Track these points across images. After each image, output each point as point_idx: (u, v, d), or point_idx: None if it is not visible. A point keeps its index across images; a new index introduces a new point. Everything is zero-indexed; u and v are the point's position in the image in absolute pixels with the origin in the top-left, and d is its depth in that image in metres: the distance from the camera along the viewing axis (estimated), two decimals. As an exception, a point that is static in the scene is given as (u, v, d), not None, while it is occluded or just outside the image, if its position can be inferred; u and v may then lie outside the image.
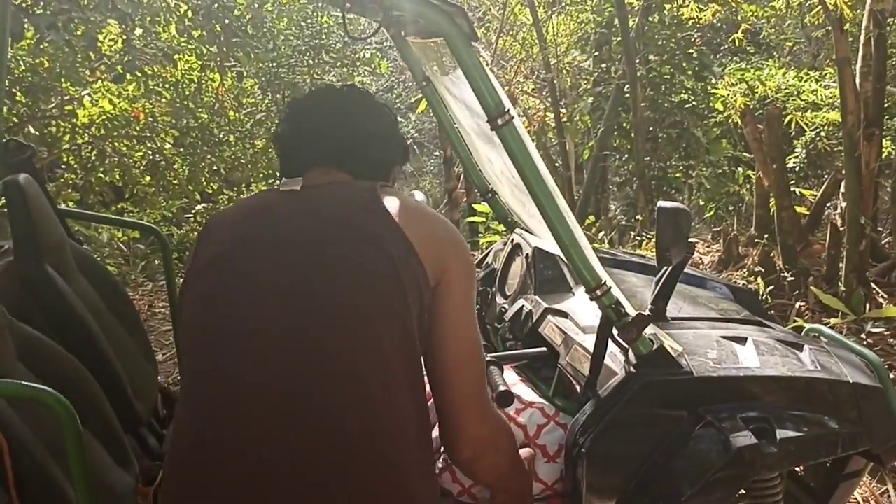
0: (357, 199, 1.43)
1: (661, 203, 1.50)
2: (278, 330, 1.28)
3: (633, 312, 1.65)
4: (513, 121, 1.55)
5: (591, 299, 1.64)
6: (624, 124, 7.60)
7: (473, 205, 6.06)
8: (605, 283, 1.63)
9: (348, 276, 1.32)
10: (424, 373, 1.40)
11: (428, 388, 1.42)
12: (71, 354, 1.98)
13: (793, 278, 4.69)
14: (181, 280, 1.49)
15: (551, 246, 2.20)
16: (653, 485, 1.70)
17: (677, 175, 7.21)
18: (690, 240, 1.55)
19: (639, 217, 6.37)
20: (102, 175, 8.38)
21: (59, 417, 1.50)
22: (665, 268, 1.58)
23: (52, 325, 2.09)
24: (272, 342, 1.28)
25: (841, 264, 4.56)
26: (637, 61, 6.62)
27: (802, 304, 4.49)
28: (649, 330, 1.70)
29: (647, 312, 1.64)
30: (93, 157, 8.30)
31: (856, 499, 2.89)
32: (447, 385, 1.40)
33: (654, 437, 1.69)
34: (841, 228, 4.64)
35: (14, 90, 7.37)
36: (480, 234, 5.73)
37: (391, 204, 1.41)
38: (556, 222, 1.60)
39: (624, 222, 6.73)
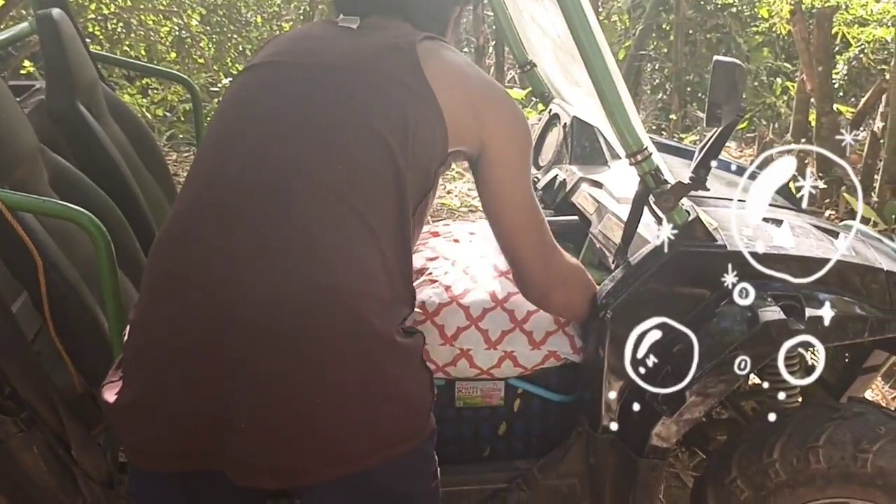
0: (397, 41, 1.38)
1: (717, 57, 1.44)
2: (263, 147, 1.28)
3: (672, 180, 1.61)
4: (569, -27, 1.48)
5: (631, 164, 1.61)
6: (664, 25, 7.36)
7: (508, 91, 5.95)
8: (646, 147, 1.59)
9: (356, 117, 1.29)
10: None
11: None
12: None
13: (825, 186, 4.61)
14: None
15: (591, 116, 2.15)
16: (673, 356, 1.70)
17: (713, 81, 7.04)
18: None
19: (672, 117, 6.25)
20: (128, 48, 8.26)
21: (94, 239, 1.51)
22: (713, 129, 1.53)
23: (82, 161, 2.08)
24: (255, 154, 1.28)
25: (876, 175, 4.47)
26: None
27: (832, 212, 4.42)
28: (686, 200, 1.67)
29: (686, 181, 1.60)
30: (119, 30, 8.17)
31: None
32: (510, 247, 1.50)
33: (680, 307, 1.68)
34: (880, 140, 4.52)
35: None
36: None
37: (429, 57, 1.36)
38: (603, 81, 1.54)
39: (655, 125, 6.60)
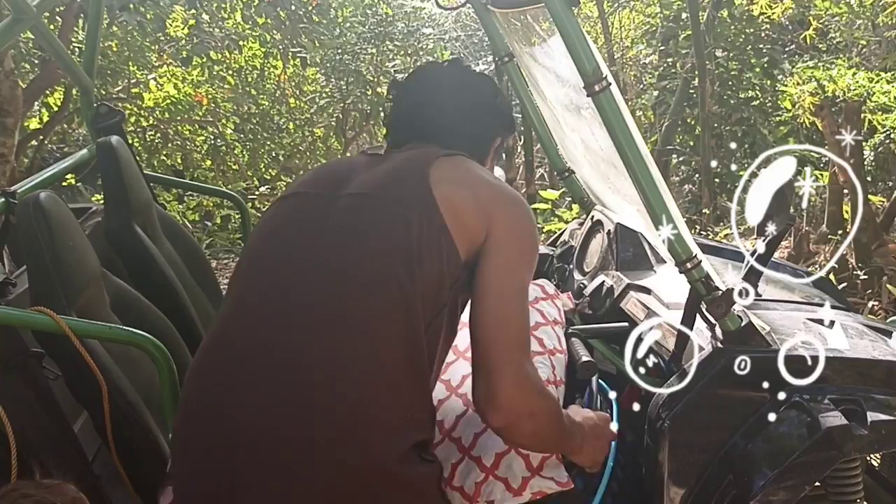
0: (413, 161, 1.46)
1: (764, 170, 1.48)
2: (278, 281, 1.38)
3: (723, 287, 1.62)
4: (609, 87, 1.54)
5: (681, 272, 1.62)
6: (688, 120, 7.49)
7: (540, 191, 6.03)
8: (695, 255, 1.61)
9: (361, 242, 1.37)
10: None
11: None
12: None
13: (866, 276, 4.57)
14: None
15: (633, 223, 2.18)
16: (734, 464, 1.68)
17: (741, 173, 7.08)
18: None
19: (705, 211, 6.28)
20: (165, 158, 8.57)
21: (157, 363, 1.54)
22: (761, 239, 1.55)
23: (138, 280, 2.14)
24: (269, 289, 1.39)
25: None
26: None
27: (875, 303, 4.37)
28: (738, 306, 1.67)
29: (737, 288, 1.61)
30: (156, 141, 8.50)
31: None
32: (483, 344, 1.35)
33: (739, 414, 1.66)
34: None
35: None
36: (546, 222, 5.72)
37: (439, 167, 1.43)
38: (649, 191, 1.58)
39: (687, 217, 6.63)
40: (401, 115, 1.62)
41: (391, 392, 1.27)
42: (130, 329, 1.60)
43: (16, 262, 2.10)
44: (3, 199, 1.79)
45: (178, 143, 8.73)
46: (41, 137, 7.62)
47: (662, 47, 7.98)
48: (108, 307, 1.87)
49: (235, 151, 9.01)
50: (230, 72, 8.62)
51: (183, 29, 7.76)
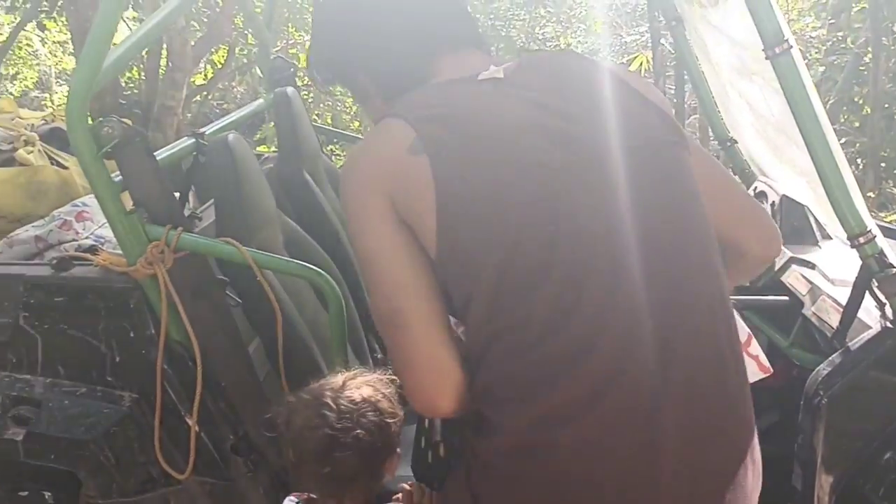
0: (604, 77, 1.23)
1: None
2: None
3: (896, 265, 1.55)
4: (791, 50, 1.49)
5: (853, 246, 1.56)
6: (856, 98, 7.03)
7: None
8: (870, 230, 1.54)
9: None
10: None
11: None
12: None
13: None
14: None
15: (801, 195, 2.11)
16: (891, 452, 1.62)
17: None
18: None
19: (869, 195, 5.90)
20: (316, 118, 8.91)
21: (328, 298, 1.64)
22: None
23: (305, 225, 2.27)
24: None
25: None
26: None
27: None
28: (912, 286, 1.59)
29: (916, 265, 1.54)
30: (309, 100, 8.85)
31: None
32: None
33: (903, 399, 1.60)
34: None
35: (247, 31, 8.04)
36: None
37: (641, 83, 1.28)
38: (825, 163, 1.52)
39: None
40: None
41: None
42: (306, 264, 1.70)
43: (199, 199, 2.28)
44: (193, 141, 1.94)
45: (329, 103, 9.04)
46: (205, 93, 8.10)
47: (832, 20, 7.49)
48: (281, 245, 2.00)
49: (359, 118, 9.26)
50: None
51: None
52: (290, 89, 2.43)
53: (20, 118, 2.12)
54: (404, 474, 1.45)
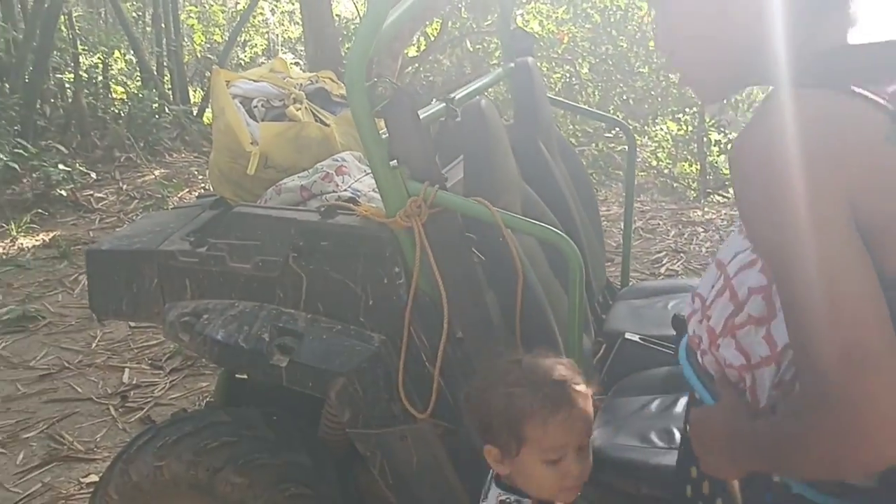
0: None
1: None
2: None
3: None
4: None
5: None
6: None
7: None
8: None
9: None
10: None
11: None
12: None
13: None
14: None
15: None
16: None
17: None
18: None
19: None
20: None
21: (570, 263, 1.68)
22: None
23: (538, 193, 2.33)
24: None
25: None
26: None
27: None
28: None
29: None
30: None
31: None
32: None
33: None
34: None
35: (460, 5, 8.23)
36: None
37: None
38: None
39: None
40: None
41: None
42: (551, 228, 1.75)
43: (441, 161, 2.40)
44: (443, 104, 2.04)
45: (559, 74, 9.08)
46: (416, 65, 8.37)
47: None
48: (520, 210, 2.07)
49: (587, 90, 9.15)
50: (595, 10, 8.72)
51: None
52: (529, 59, 2.49)
53: (290, 77, 2.32)
54: None
